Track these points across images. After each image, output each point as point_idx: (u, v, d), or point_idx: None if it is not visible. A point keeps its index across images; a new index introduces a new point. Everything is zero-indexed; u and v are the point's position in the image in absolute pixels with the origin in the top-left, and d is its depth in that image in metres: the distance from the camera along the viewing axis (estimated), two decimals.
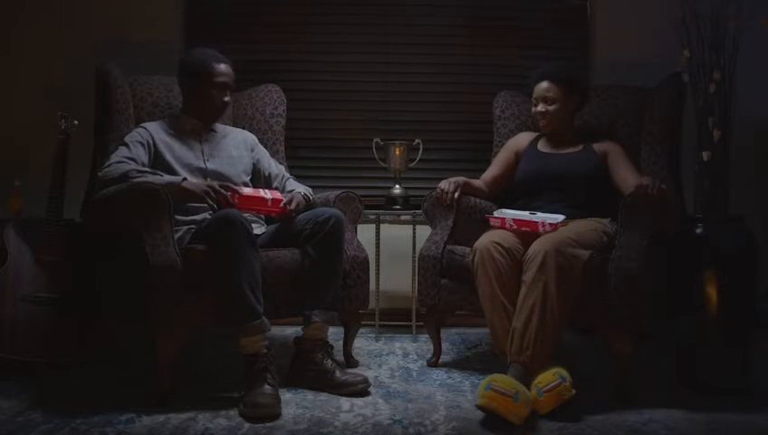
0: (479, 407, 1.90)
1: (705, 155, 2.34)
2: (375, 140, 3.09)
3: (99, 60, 2.63)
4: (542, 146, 2.58)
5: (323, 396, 2.13)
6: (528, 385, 1.93)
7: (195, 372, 2.43)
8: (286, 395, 2.13)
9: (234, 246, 2.03)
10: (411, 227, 3.01)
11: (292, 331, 3.05)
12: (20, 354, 2.28)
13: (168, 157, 2.33)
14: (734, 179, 2.39)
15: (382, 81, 3.40)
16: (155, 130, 2.38)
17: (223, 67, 2.39)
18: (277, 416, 1.93)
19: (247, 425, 1.88)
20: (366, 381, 2.19)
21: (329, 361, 2.22)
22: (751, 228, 2.26)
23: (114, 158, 2.23)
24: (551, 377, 1.93)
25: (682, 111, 2.60)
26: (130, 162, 2.22)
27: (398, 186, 3.04)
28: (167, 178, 2.20)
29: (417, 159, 3.10)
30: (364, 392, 2.15)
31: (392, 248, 3.13)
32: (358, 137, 3.30)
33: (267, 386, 1.99)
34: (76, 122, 2.59)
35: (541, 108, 2.50)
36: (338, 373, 2.19)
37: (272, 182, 2.52)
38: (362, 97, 3.39)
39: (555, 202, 2.37)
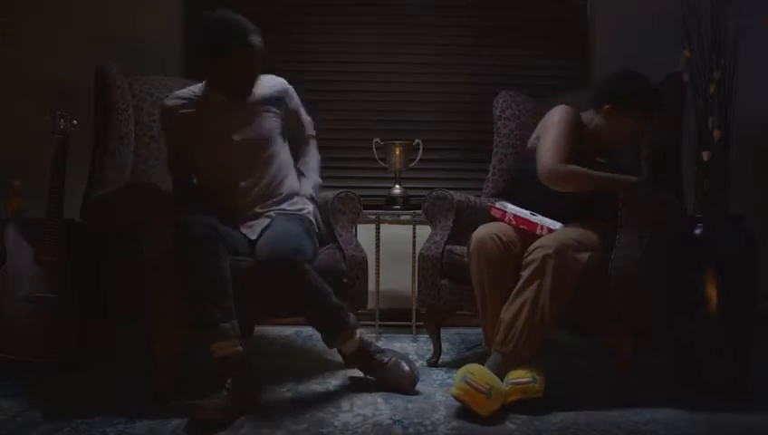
0: (452, 395, 1.98)
1: (705, 155, 2.34)
2: (375, 140, 3.09)
3: (98, 60, 2.63)
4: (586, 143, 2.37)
5: (323, 396, 2.14)
6: (503, 375, 2.00)
7: (195, 372, 2.43)
8: (286, 395, 2.13)
9: (185, 254, 2.00)
10: (411, 227, 3.01)
11: (292, 331, 3.05)
12: (20, 354, 2.28)
13: (193, 134, 2.23)
14: (734, 179, 2.38)
15: (382, 81, 3.40)
16: (177, 104, 2.24)
17: (253, 41, 2.13)
18: (212, 423, 1.86)
19: (247, 425, 1.88)
20: (413, 379, 2.18)
21: (377, 355, 2.20)
22: (751, 228, 2.26)
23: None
24: (523, 374, 1.99)
25: (682, 111, 2.59)
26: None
27: (398, 186, 3.04)
28: None
29: (417, 159, 3.10)
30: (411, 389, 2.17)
31: (392, 248, 3.13)
32: (358, 137, 3.30)
33: (223, 392, 1.94)
34: (75, 122, 2.59)
35: (638, 131, 2.36)
36: (386, 366, 2.18)
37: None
38: (362, 97, 3.40)
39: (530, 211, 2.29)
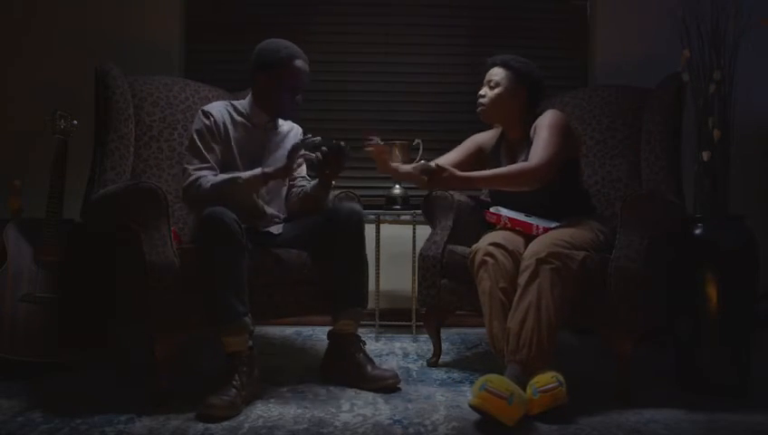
0: (472, 406, 1.89)
1: (705, 155, 2.34)
2: (375, 139, 3.09)
3: (98, 60, 2.63)
4: (501, 151, 2.48)
5: (323, 396, 2.13)
6: (524, 385, 1.92)
7: (195, 373, 2.43)
8: (286, 395, 2.13)
9: (210, 245, 2.02)
10: (411, 227, 3.01)
11: (292, 331, 3.05)
12: (20, 354, 2.28)
13: (234, 146, 2.30)
14: (734, 179, 2.39)
15: (382, 81, 3.40)
16: (220, 115, 2.30)
17: (298, 64, 2.30)
18: (222, 419, 1.91)
19: (247, 425, 1.88)
20: (396, 376, 2.22)
21: (360, 355, 2.26)
22: (751, 228, 2.26)
23: (191, 176, 2.18)
24: (548, 379, 1.92)
25: (682, 111, 2.59)
26: (206, 173, 2.19)
27: (398, 186, 3.04)
28: (246, 174, 2.19)
29: (418, 159, 3.10)
30: (394, 387, 2.19)
31: (392, 248, 3.13)
32: (358, 137, 3.29)
33: (232, 389, 1.98)
34: (75, 122, 2.60)
35: (482, 92, 2.41)
36: (369, 368, 2.23)
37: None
38: (362, 97, 3.40)
39: (521, 210, 2.33)
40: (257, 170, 2.19)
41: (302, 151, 2.22)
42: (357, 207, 2.32)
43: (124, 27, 3.20)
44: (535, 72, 2.41)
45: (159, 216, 2.06)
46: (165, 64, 3.16)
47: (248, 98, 2.40)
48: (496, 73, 2.40)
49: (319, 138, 2.24)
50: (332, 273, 2.26)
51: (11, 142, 3.14)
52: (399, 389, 2.19)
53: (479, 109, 2.42)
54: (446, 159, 2.49)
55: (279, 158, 2.35)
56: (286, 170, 2.19)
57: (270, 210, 2.38)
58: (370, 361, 2.27)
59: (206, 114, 2.29)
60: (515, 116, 2.40)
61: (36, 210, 2.57)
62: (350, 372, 2.23)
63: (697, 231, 2.26)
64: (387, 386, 2.18)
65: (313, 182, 2.40)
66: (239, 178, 2.17)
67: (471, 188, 2.37)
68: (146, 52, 3.16)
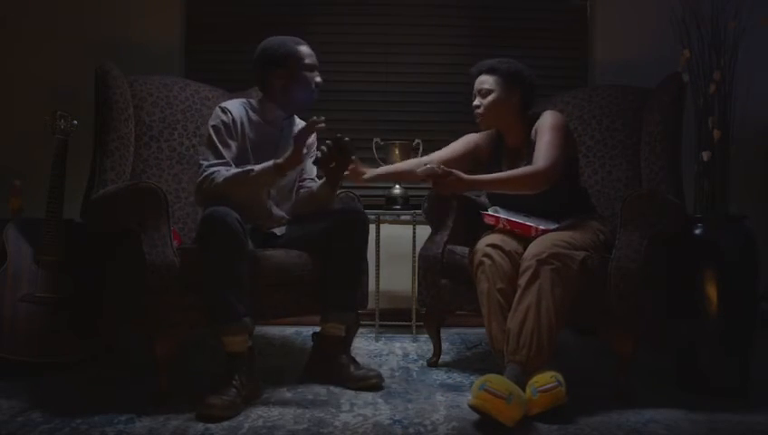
0: (471, 406, 1.89)
1: (705, 155, 2.34)
2: (375, 140, 3.09)
3: (98, 60, 2.63)
4: (502, 159, 2.44)
5: (323, 396, 2.13)
6: (524, 386, 1.92)
7: (195, 373, 2.43)
8: (286, 395, 2.13)
9: (211, 245, 2.02)
10: (411, 227, 3.01)
11: (292, 331, 3.05)
12: (20, 354, 2.28)
13: (248, 145, 2.30)
14: (733, 179, 2.38)
15: (382, 81, 3.40)
16: (238, 112, 2.31)
17: (304, 49, 2.35)
18: (222, 419, 1.91)
19: (247, 425, 1.88)
20: (379, 376, 2.22)
21: (344, 356, 2.26)
22: (751, 228, 2.26)
23: (205, 171, 2.18)
24: (548, 378, 1.92)
25: (682, 111, 2.59)
26: (220, 168, 2.18)
27: (398, 186, 3.04)
28: (258, 167, 2.17)
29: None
30: (378, 386, 2.19)
31: (392, 248, 3.13)
32: (358, 137, 3.30)
33: (232, 389, 1.99)
34: (75, 122, 2.60)
35: (476, 102, 2.38)
36: (352, 368, 2.23)
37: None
38: (362, 97, 3.40)
39: (520, 211, 2.32)
40: (269, 162, 2.17)
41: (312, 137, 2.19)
42: (361, 211, 2.31)
43: (124, 27, 3.20)
44: (525, 71, 2.39)
45: (159, 216, 2.06)
46: (165, 64, 3.16)
47: (258, 98, 2.41)
48: (485, 81, 2.37)
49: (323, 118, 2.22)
50: (329, 274, 2.26)
51: (11, 142, 3.14)
52: (383, 387, 2.20)
53: (478, 119, 2.39)
54: (440, 156, 2.46)
55: None
56: (295, 157, 2.15)
57: (278, 212, 2.37)
58: (354, 361, 2.28)
59: (225, 110, 2.30)
60: (514, 118, 2.38)
61: (36, 210, 2.57)
62: (333, 374, 2.24)
63: (697, 231, 2.25)
64: (371, 386, 2.19)
65: (320, 181, 2.39)
66: (251, 170, 2.17)
67: (477, 190, 2.36)
68: (146, 52, 3.16)
